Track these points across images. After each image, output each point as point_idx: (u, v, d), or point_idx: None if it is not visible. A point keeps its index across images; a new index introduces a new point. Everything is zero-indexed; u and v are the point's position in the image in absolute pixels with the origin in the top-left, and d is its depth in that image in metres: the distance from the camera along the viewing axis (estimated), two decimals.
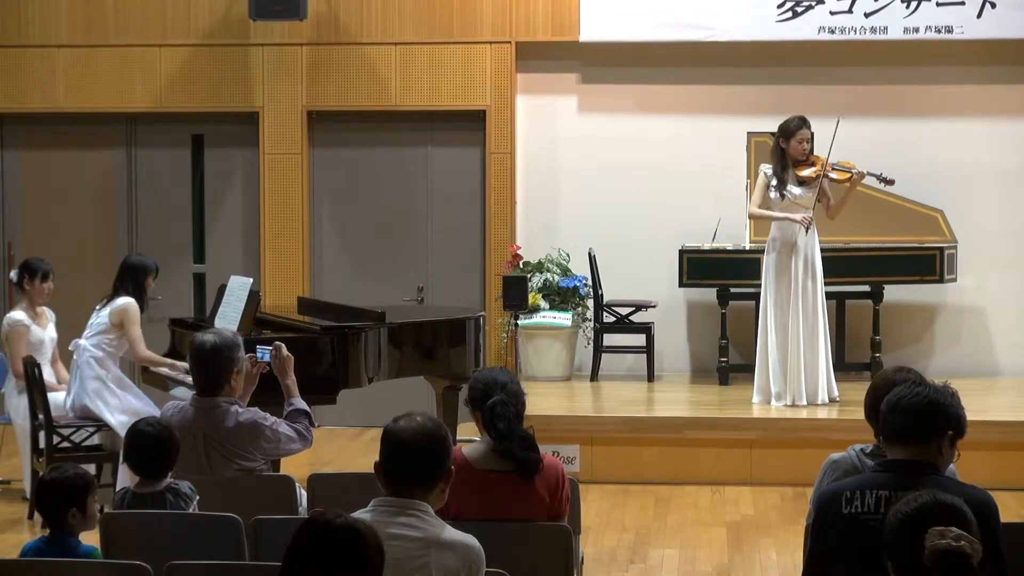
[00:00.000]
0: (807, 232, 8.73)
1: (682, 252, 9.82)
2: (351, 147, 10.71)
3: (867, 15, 10.07)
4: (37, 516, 7.41)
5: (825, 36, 10.14)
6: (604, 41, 10.28)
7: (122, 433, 7.33)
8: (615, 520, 7.68)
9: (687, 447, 8.61)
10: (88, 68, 10.60)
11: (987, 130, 10.39)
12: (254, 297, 7.42)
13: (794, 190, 8.77)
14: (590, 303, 10.27)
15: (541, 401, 9.11)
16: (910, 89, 10.40)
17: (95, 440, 7.69)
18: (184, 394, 7.05)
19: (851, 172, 8.87)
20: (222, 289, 7.74)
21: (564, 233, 10.55)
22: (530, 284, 10.03)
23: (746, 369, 9.43)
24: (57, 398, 7.72)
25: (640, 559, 6.91)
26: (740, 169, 9.96)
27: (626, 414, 8.91)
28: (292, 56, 10.51)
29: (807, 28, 10.13)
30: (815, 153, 8.86)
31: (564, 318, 10.14)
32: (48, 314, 8.12)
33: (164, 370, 7.74)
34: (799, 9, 10.13)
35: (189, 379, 7.14)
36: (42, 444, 7.54)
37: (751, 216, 9.25)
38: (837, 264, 9.51)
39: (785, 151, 8.78)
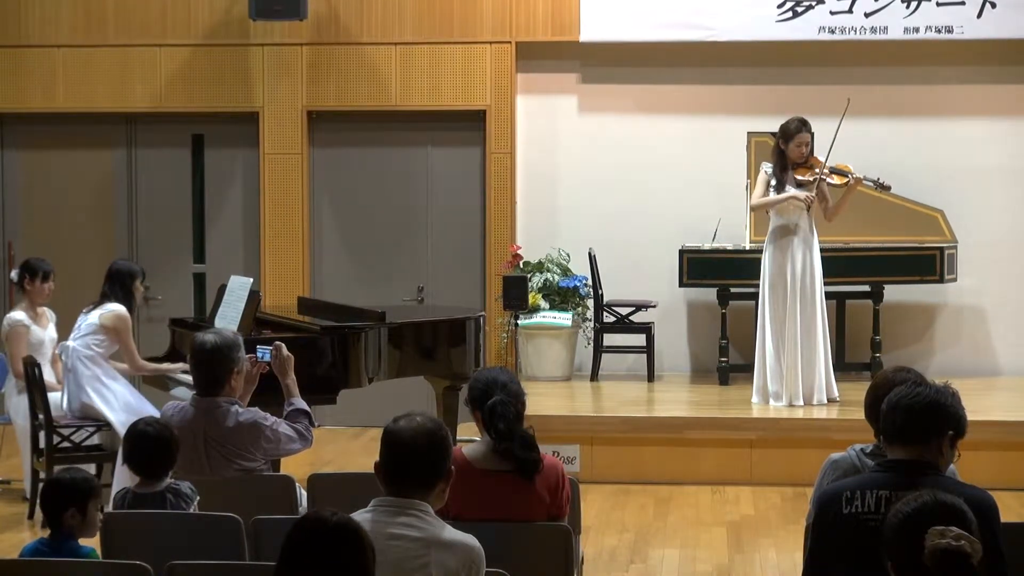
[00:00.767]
0: (810, 209, 8.71)
1: (682, 252, 9.83)
2: (351, 147, 10.71)
3: (867, 15, 10.07)
4: (37, 516, 7.45)
5: (825, 36, 10.14)
6: (604, 41, 10.28)
7: (120, 431, 7.34)
8: (615, 520, 7.68)
9: (687, 447, 8.61)
10: (88, 68, 10.60)
11: (987, 130, 10.39)
12: (254, 297, 7.42)
13: (792, 191, 8.77)
14: (590, 303, 10.27)
15: (541, 401, 9.11)
16: (910, 89, 10.40)
17: (95, 440, 7.69)
18: (184, 394, 7.06)
19: (848, 176, 8.87)
20: (222, 289, 7.74)
21: (564, 233, 10.55)
22: (530, 284, 10.03)
23: (746, 369, 9.43)
24: (57, 398, 7.71)
25: (640, 559, 6.92)
26: (740, 169, 9.96)
27: (626, 414, 8.91)
28: (292, 56, 10.51)
29: (807, 28, 10.13)
30: (815, 155, 8.86)
31: (564, 318, 10.15)
32: (48, 314, 8.13)
33: (165, 366, 7.74)
34: (799, 9, 10.13)
35: (189, 379, 7.15)
36: (42, 444, 7.54)
37: (753, 208, 9.23)
38: (837, 264, 9.51)
39: (784, 153, 8.78)
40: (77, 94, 10.62)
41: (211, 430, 5.20)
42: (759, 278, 8.98)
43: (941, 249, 9.86)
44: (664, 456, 8.61)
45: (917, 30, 10.07)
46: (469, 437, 7.30)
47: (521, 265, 10.27)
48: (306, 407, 5.57)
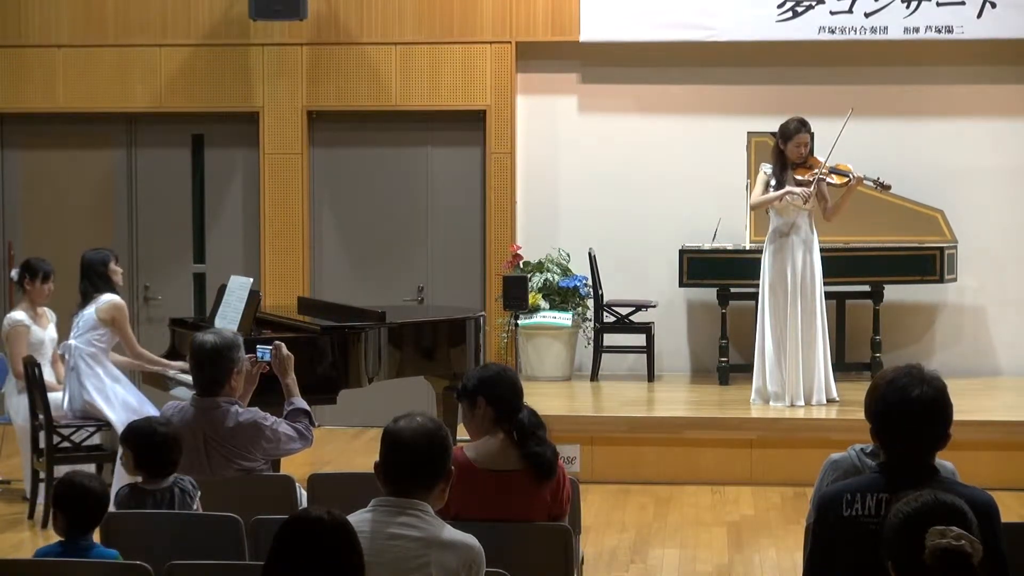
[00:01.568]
0: (807, 203, 8.70)
1: (682, 252, 9.83)
2: (351, 147, 10.71)
3: (867, 15, 10.07)
4: (37, 516, 7.46)
5: (825, 36, 10.14)
6: (604, 41, 10.28)
7: (121, 431, 7.34)
8: (615, 520, 7.68)
9: (687, 447, 8.61)
10: (88, 68, 10.60)
11: (987, 130, 10.39)
12: (254, 297, 7.42)
13: (789, 187, 8.76)
14: (590, 303, 10.27)
15: (541, 401, 9.10)
16: (910, 89, 10.40)
17: (95, 440, 7.69)
18: (184, 394, 7.05)
19: (848, 176, 8.86)
20: (222, 289, 7.73)
21: (564, 233, 10.55)
22: (530, 284, 10.03)
23: (746, 369, 9.43)
24: (57, 398, 7.71)
25: (640, 559, 6.91)
26: (740, 169, 9.96)
27: (626, 414, 8.91)
28: (292, 56, 10.51)
29: (807, 28, 10.13)
30: (814, 155, 8.86)
31: (564, 318, 10.15)
32: (48, 314, 8.13)
33: (171, 372, 7.73)
34: (799, 9, 10.13)
35: (189, 379, 7.14)
36: (42, 444, 7.54)
37: (752, 206, 9.21)
38: (837, 264, 9.51)
39: (784, 153, 8.78)
40: (77, 94, 10.62)
41: (211, 430, 5.20)
42: (759, 278, 8.98)
43: (941, 249, 9.86)
44: (664, 456, 8.61)
45: (917, 30, 10.07)
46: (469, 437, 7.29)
47: (521, 265, 10.27)
48: (306, 407, 5.57)
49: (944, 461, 3.80)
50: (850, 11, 10.08)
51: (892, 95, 10.39)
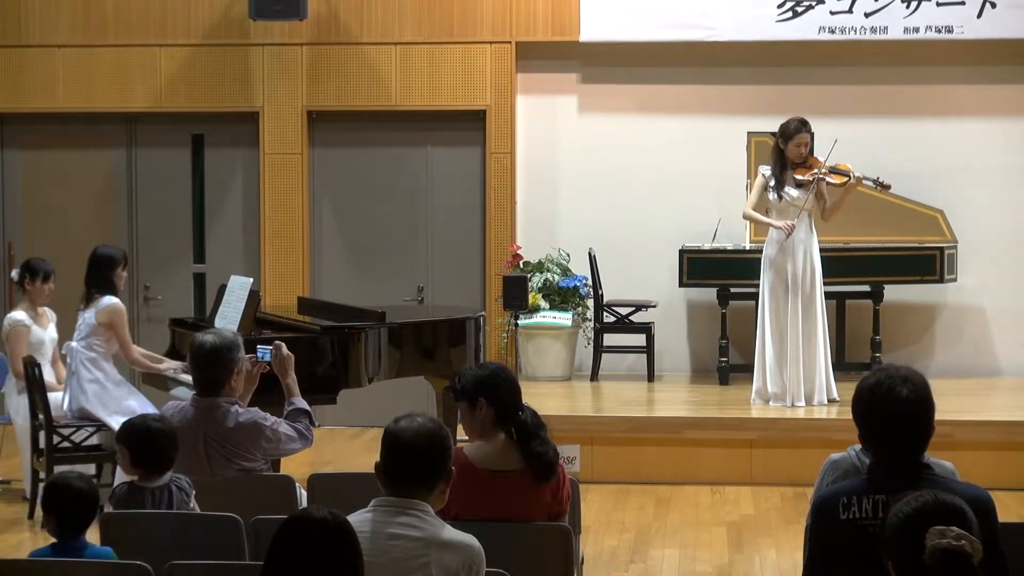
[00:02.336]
0: (787, 238, 8.73)
1: (682, 252, 9.82)
2: (351, 147, 10.71)
3: (867, 15, 10.07)
4: (37, 516, 7.46)
5: (825, 36, 10.14)
6: (604, 41, 10.28)
7: None
8: (615, 520, 7.68)
9: (687, 447, 8.61)
10: (88, 68, 10.60)
11: (987, 130, 10.39)
12: (254, 297, 7.42)
13: (791, 192, 8.77)
14: (590, 303, 10.27)
15: (541, 401, 9.10)
16: (910, 89, 10.40)
17: (95, 440, 7.69)
18: (184, 394, 7.05)
19: (848, 176, 8.86)
20: (222, 289, 7.73)
21: (564, 233, 10.55)
22: (530, 284, 10.03)
23: (746, 369, 9.43)
24: (57, 398, 7.71)
25: (640, 559, 6.92)
26: (740, 169, 9.96)
27: (626, 414, 8.91)
28: (292, 56, 10.51)
29: (807, 28, 10.13)
30: (814, 155, 8.86)
31: (564, 318, 10.15)
32: (49, 314, 8.13)
33: (170, 372, 7.73)
34: (799, 9, 10.13)
35: (189, 379, 7.14)
36: (42, 444, 7.54)
37: (744, 216, 9.24)
38: (837, 264, 9.51)
39: (783, 153, 8.78)
40: (77, 94, 10.62)
41: (211, 430, 5.20)
42: (759, 278, 8.98)
43: (941, 249, 9.86)
44: (664, 456, 8.61)
45: (917, 30, 10.07)
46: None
47: (521, 265, 10.27)
48: (306, 407, 5.57)
49: (944, 461, 3.81)
50: (850, 11, 10.08)
51: (892, 95, 10.39)
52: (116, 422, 7.48)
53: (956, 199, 10.23)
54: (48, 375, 7.86)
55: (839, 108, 10.07)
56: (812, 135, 8.82)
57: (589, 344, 10.28)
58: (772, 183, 8.78)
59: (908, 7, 10.05)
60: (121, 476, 7.19)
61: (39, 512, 7.47)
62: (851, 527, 3.48)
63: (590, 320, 10.29)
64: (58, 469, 7.11)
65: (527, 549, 4.31)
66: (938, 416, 3.59)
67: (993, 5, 9.97)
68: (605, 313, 10.17)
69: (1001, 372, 10.44)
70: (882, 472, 3.55)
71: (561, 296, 10.26)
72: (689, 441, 8.61)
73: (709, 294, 10.05)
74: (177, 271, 10.76)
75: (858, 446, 4.20)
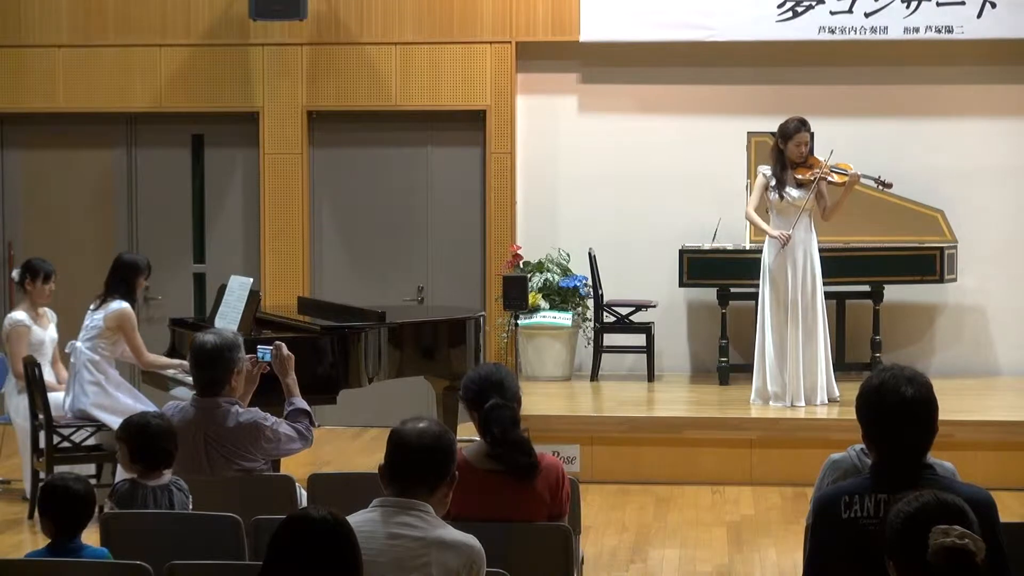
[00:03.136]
0: (784, 248, 8.73)
1: (682, 252, 9.82)
2: (351, 147, 10.70)
3: (867, 15, 10.07)
4: (37, 516, 7.45)
5: (825, 36, 10.14)
6: (604, 41, 10.28)
7: None
8: (615, 520, 7.68)
9: (687, 447, 8.61)
10: (88, 68, 10.60)
11: (987, 130, 10.39)
12: (254, 297, 7.42)
13: (792, 192, 8.77)
14: (590, 303, 10.27)
15: (541, 401, 9.11)
16: (910, 89, 10.40)
17: (95, 440, 7.69)
18: (184, 394, 7.06)
19: (847, 175, 8.85)
20: (222, 289, 7.74)
21: (564, 233, 10.54)
22: (530, 284, 10.03)
23: (746, 369, 9.43)
24: (57, 398, 7.71)
25: (640, 559, 6.92)
26: (740, 169, 9.96)
27: (626, 414, 8.91)
28: (292, 56, 10.51)
29: (807, 28, 10.13)
30: (814, 155, 8.85)
31: (564, 318, 10.15)
32: (49, 315, 8.13)
33: (171, 372, 7.73)
34: (799, 9, 10.13)
35: (189, 379, 7.14)
36: (42, 444, 7.54)
37: (745, 216, 9.24)
38: (837, 264, 9.51)
39: (783, 152, 8.78)
40: (77, 94, 10.62)
41: (211, 430, 5.20)
42: (759, 278, 8.98)
43: (941, 249, 9.86)
44: (664, 456, 8.61)
45: (917, 30, 10.07)
46: (469, 437, 7.30)
47: (521, 265, 10.27)
48: (306, 407, 5.57)
49: (944, 461, 3.81)
50: (850, 11, 10.08)
51: (892, 95, 10.39)
52: (116, 424, 7.50)
53: (956, 199, 10.23)
54: (48, 375, 7.87)
55: (839, 108, 10.06)
56: (812, 135, 8.82)
57: (589, 344, 10.28)
58: (772, 183, 8.78)
59: (908, 7, 10.05)
60: (121, 476, 7.23)
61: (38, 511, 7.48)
62: (852, 526, 3.48)
63: (590, 320, 10.29)
64: (58, 469, 7.12)
65: (527, 549, 4.31)
66: (938, 416, 3.60)
67: (993, 5, 9.97)
68: (605, 313, 10.17)
69: (1001, 372, 10.44)
70: (885, 472, 3.55)
71: (561, 296, 10.26)
72: (689, 441, 8.61)
73: (709, 294, 10.05)
74: (177, 271, 10.76)
75: (858, 446, 4.20)
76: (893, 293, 10.05)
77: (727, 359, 9.86)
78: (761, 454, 8.55)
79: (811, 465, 4.90)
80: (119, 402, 7.63)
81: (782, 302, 8.81)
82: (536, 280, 10.22)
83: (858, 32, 10.10)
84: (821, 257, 8.91)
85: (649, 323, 10.15)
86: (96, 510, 4.37)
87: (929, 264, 9.84)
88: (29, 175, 10.90)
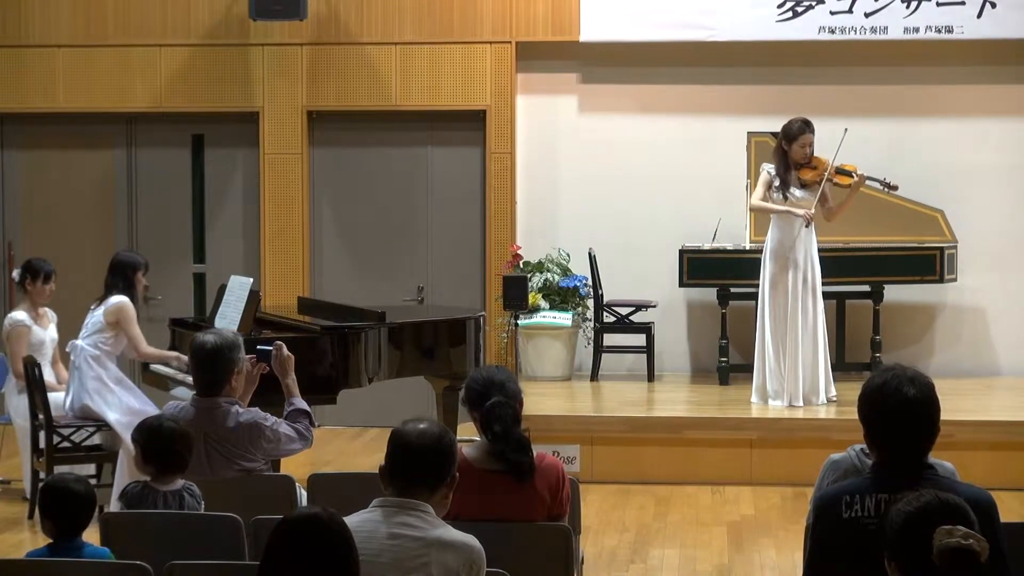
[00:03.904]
0: (808, 226, 8.70)
1: (682, 252, 9.82)
2: (351, 147, 10.71)
3: (867, 15, 10.07)
4: (37, 516, 7.44)
5: (825, 36, 10.14)
6: (604, 41, 10.28)
7: (122, 433, 7.35)
8: (615, 520, 7.68)
9: (687, 447, 8.61)
10: (88, 68, 10.60)
11: (987, 130, 10.39)
12: (254, 297, 7.42)
13: (796, 192, 8.75)
14: (590, 303, 10.27)
15: (541, 401, 9.11)
16: (910, 89, 10.40)
17: (95, 440, 7.69)
18: (184, 394, 7.06)
19: (853, 176, 8.84)
20: (222, 289, 7.74)
21: (564, 233, 10.55)
22: (530, 284, 10.03)
23: (746, 369, 9.43)
24: (57, 398, 7.71)
25: (640, 559, 6.92)
26: (740, 169, 9.96)
27: (626, 414, 8.91)
28: (292, 56, 10.51)
29: (807, 28, 10.13)
30: (818, 155, 8.84)
31: (564, 318, 10.15)
32: (49, 315, 8.13)
33: (166, 368, 7.73)
34: (799, 9, 10.13)
35: (189, 379, 7.15)
36: (42, 444, 7.54)
37: (752, 208, 9.18)
38: (837, 264, 9.51)
39: (787, 153, 8.76)
40: (77, 94, 10.62)
41: (211, 430, 5.20)
42: (759, 278, 8.97)
43: (941, 249, 9.86)
44: (664, 456, 8.61)
45: (917, 30, 10.07)
46: (469, 437, 7.30)
47: (521, 265, 10.27)
48: (306, 407, 5.57)
49: (944, 461, 3.81)
50: (850, 11, 10.08)
51: (892, 95, 10.39)
52: (117, 417, 7.52)
53: (956, 199, 10.24)
54: (48, 375, 7.87)
55: (839, 108, 10.05)
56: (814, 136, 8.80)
57: (589, 344, 10.28)
58: (777, 183, 8.75)
59: (908, 7, 10.05)
60: (121, 477, 7.24)
61: (39, 512, 7.48)
62: (853, 526, 3.48)
63: (590, 320, 10.29)
64: (58, 469, 7.13)
65: (527, 549, 4.31)
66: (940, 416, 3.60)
67: (993, 5, 9.97)
68: (605, 313, 10.17)
69: (1001, 372, 10.44)
70: (886, 471, 3.55)
71: (561, 296, 10.26)
72: (689, 441, 8.61)
73: (709, 294, 10.05)
74: (177, 271, 10.76)
75: (858, 446, 4.20)
76: (893, 293, 10.05)
77: (727, 359, 9.86)
78: (761, 454, 8.55)
79: (811, 465, 4.90)
80: (119, 397, 7.62)
81: (782, 301, 8.81)
82: (536, 280, 10.22)
83: (858, 32, 10.10)
84: (821, 257, 8.91)
85: (649, 323, 10.15)
86: (97, 510, 4.37)
87: (929, 264, 9.84)
88: (29, 175, 10.90)
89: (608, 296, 10.18)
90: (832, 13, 10.09)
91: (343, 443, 9.89)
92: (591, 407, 9.49)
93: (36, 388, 7.55)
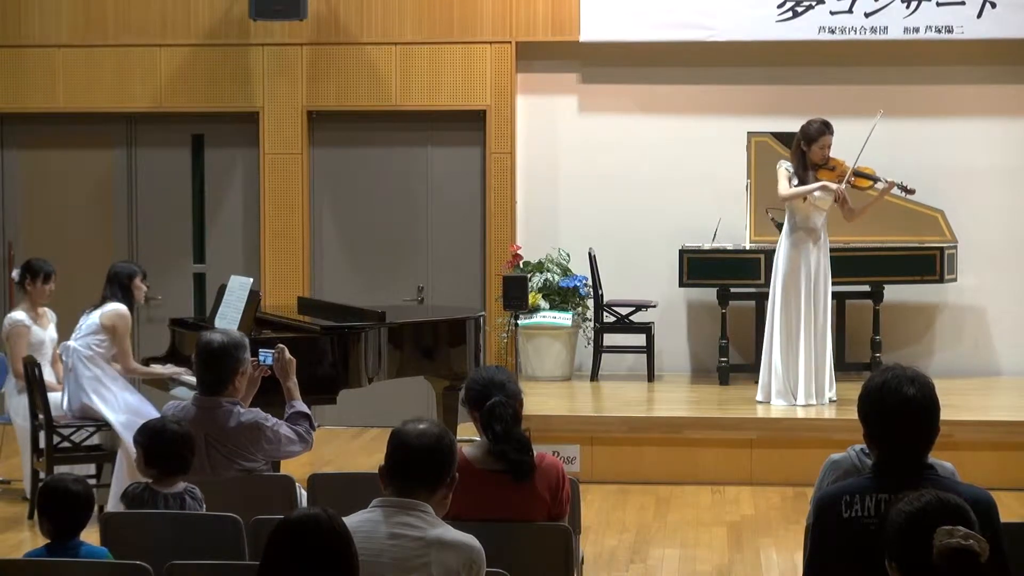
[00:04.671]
0: (837, 201, 8.55)
1: (682, 252, 9.82)
2: (351, 147, 10.71)
3: (867, 15, 10.07)
4: (36, 516, 7.45)
5: (825, 36, 10.14)
6: (604, 41, 10.28)
7: (121, 432, 7.35)
8: (615, 520, 7.68)
9: (687, 447, 8.61)
10: (88, 68, 10.61)
11: (987, 130, 10.39)
12: (254, 297, 7.42)
13: (815, 193, 8.65)
14: (590, 303, 10.27)
15: (541, 401, 9.11)
16: (910, 89, 10.40)
17: (95, 440, 7.68)
18: (184, 394, 7.06)
19: (871, 178, 8.75)
20: (222, 289, 7.73)
21: (564, 233, 10.55)
22: (530, 284, 10.03)
23: (746, 369, 9.43)
24: (57, 398, 7.70)
25: (640, 559, 6.92)
26: (740, 169, 9.96)
27: (626, 414, 8.90)
28: (292, 56, 10.51)
29: (807, 28, 10.13)
30: (835, 157, 8.74)
31: (564, 318, 10.15)
32: (49, 315, 8.13)
33: (164, 368, 7.73)
34: (799, 9, 10.13)
35: (189, 379, 7.15)
36: (42, 444, 7.53)
37: (784, 198, 8.72)
38: (837, 264, 9.46)
39: (806, 154, 8.67)
40: (77, 94, 10.62)
41: (212, 430, 5.20)
42: (759, 278, 8.97)
43: (941, 249, 9.86)
44: (664, 456, 8.61)
45: (917, 30, 10.07)
46: (469, 437, 7.30)
47: (521, 265, 10.27)
48: (307, 410, 5.56)
49: (944, 461, 3.81)
50: (850, 11, 10.08)
51: (892, 95, 10.38)
52: (116, 416, 7.51)
53: (956, 199, 10.24)
54: (48, 375, 7.86)
55: (839, 108, 10.04)
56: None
57: (589, 344, 10.28)
58: (795, 182, 8.66)
59: (908, 7, 10.05)
60: (120, 477, 7.23)
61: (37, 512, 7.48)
62: (853, 525, 3.48)
63: (590, 320, 10.29)
64: (58, 469, 7.12)
65: (527, 549, 4.31)
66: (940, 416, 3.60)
67: (993, 5, 9.97)
68: (605, 313, 10.17)
69: (1001, 372, 10.44)
70: (886, 471, 3.55)
71: (561, 296, 10.26)
72: (689, 441, 8.61)
73: (709, 294, 10.05)
74: (177, 271, 10.76)
75: (858, 446, 4.20)
76: (893, 293, 10.05)
77: (727, 359, 9.86)
78: (761, 454, 8.55)
79: (811, 465, 4.90)
80: (117, 396, 7.61)
81: (794, 301, 8.75)
82: (536, 280, 10.22)
83: (858, 32, 10.10)
84: None
85: (649, 323, 10.15)
86: (96, 510, 4.37)
87: (929, 264, 9.84)
88: (29, 175, 10.90)
89: (608, 296, 10.18)
90: (832, 13, 10.09)
91: (343, 443, 9.89)
92: (591, 407, 9.49)
93: (36, 388, 7.54)
